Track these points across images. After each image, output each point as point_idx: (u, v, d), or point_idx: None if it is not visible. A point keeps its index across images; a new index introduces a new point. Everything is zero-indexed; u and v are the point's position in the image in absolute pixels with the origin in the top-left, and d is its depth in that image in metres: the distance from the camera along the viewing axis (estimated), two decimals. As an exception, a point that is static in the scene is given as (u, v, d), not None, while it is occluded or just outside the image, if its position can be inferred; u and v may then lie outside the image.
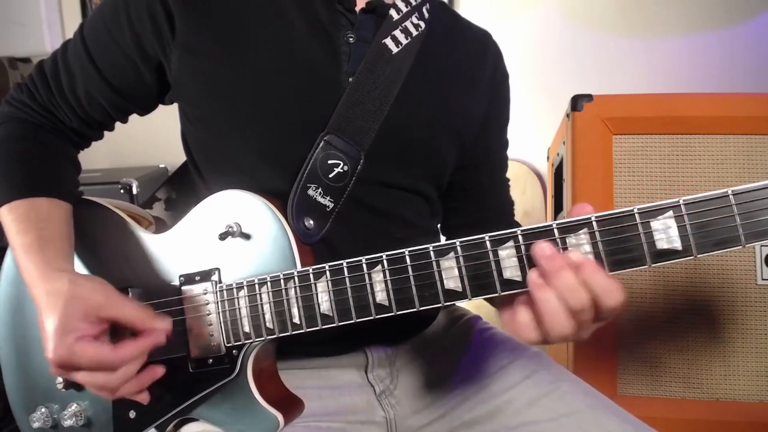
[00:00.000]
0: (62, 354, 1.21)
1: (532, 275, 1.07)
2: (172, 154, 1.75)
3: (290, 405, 1.38)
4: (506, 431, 1.44)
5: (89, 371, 1.23)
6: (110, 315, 1.25)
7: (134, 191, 3.18)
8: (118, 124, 1.64)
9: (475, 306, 1.98)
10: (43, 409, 1.47)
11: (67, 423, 1.44)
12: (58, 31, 4.07)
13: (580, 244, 1.07)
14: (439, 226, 1.82)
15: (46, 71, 1.55)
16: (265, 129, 1.43)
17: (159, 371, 1.33)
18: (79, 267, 1.47)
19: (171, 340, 1.32)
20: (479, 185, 1.77)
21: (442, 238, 1.80)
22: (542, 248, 1.06)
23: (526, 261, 1.10)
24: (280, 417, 1.31)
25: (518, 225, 1.53)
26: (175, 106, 1.58)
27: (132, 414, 1.40)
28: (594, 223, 1.07)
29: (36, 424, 1.47)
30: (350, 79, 1.45)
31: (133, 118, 1.64)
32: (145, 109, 1.62)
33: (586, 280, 1.05)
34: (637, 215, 1.05)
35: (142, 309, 1.28)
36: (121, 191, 3.17)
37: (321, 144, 1.41)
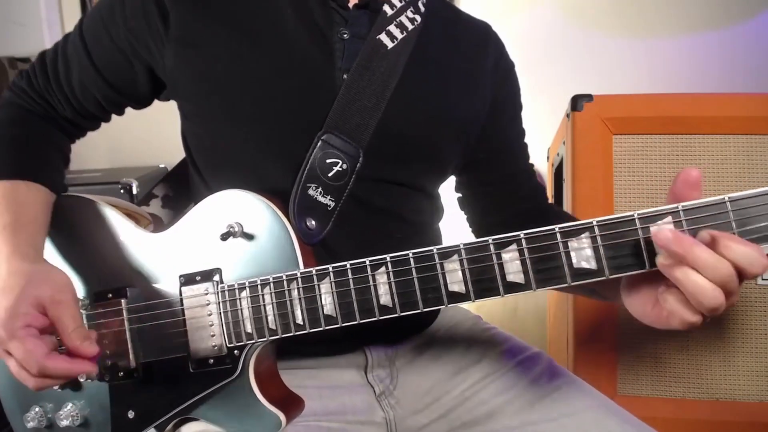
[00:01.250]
0: (3, 335, 1.24)
1: (662, 260, 1.03)
2: (172, 154, 1.75)
3: (291, 404, 1.38)
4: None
5: (16, 361, 1.25)
6: (50, 314, 1.27)
7: (134, 191, 3.17)
8: (118, 125, 1.65)
9: (475, 306, 1.99)
10: (37, 409, 1.47)
11: (63, 423, 1.44)
12: (58, 31, 4.06)
13: (582, 248, 1.08)
14: (471, 232, 1.83)
15: (47, 60, 1.58)
16: (263, 128, 1.44)
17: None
18: (76, 266, 1.48)
19: (170, 338, 1.34)
20: (503, 176, 1.75)
21: (443, 237, 1.79)
22: (664, 235, 1.01)
23: (529, 264, 1.11)
24: (282, 416, 1.32)
25: (557, 211, 1.52)
26: (175, 105, 1.58)
27: (131, 414, 1.40)
28: (595, 228, 1.08)
29: (30, 424, 1.47)
30: (345, 76, 1.45)
31: (133, 118, 1.65)
32: (139, 104, 1.64)
33: (723, 251, 1.00)
34: (637, 220, 1.06)
35: (78, 325, 1.28)
36: (121, 191, 3.16)
37: (319, 143, 1.41)
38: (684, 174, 1.07)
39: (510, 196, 1.75)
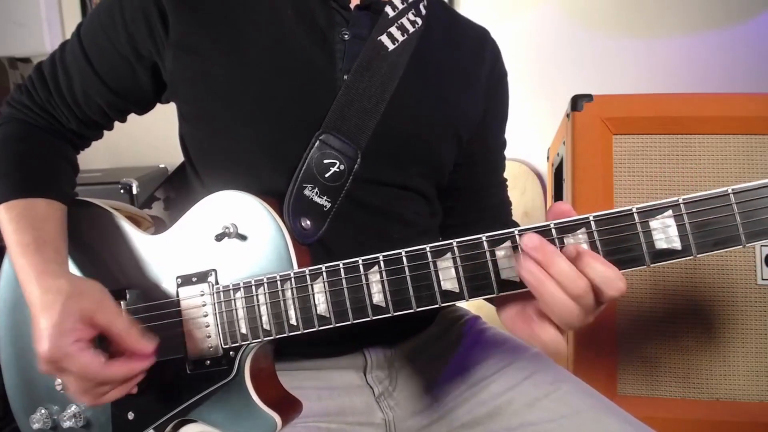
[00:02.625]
0: (56, 354, 1.21)
1: (527, 265, 1.05)
2: (172, 154, 1.74)
3: (288, 406, 1.37)
4: (506, 432, 1.43)
5: (75, 377, 1.23)
6: (101, 322, 1.25)
7: (134, 191, 3.18)
8: (117, 124, 1.63)
9: (475, 306, 1.97)
10: (42, 410, 1.47)
11: (67, 424, 1.44)
12: (58, 31, 4.08)
13: (578, 243, 1.06)
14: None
15: (45, 72, 1.55)
16: (261, 128, 1.42)
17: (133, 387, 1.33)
18: (76, 269, 1.46)
19: (167, 340, 1.33)
20: (476, 184, 1.76)
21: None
22: (530, 239, 1.04)
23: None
24: (277, 419, 1.30)
25: (516, 225, 1.52)
26: (175, 105, 1.56)
27: (131, 415, 1.39)
28: (592, 223, 1.06)
29: (36, 425, 1.46)
30: (345, 77, 1.44)
31: (133, 118, 1.63)
32: (142, 109, 1.61)
33: (584, 269, 1.03)
34: (635, 215, 1.03)
35: (131, 325, 1.27)
36: (121, 191, 3.17)
37: (316, 143, 1.39)
38: (555, 207, 1.12)
39: (477, 204, 1.77)
